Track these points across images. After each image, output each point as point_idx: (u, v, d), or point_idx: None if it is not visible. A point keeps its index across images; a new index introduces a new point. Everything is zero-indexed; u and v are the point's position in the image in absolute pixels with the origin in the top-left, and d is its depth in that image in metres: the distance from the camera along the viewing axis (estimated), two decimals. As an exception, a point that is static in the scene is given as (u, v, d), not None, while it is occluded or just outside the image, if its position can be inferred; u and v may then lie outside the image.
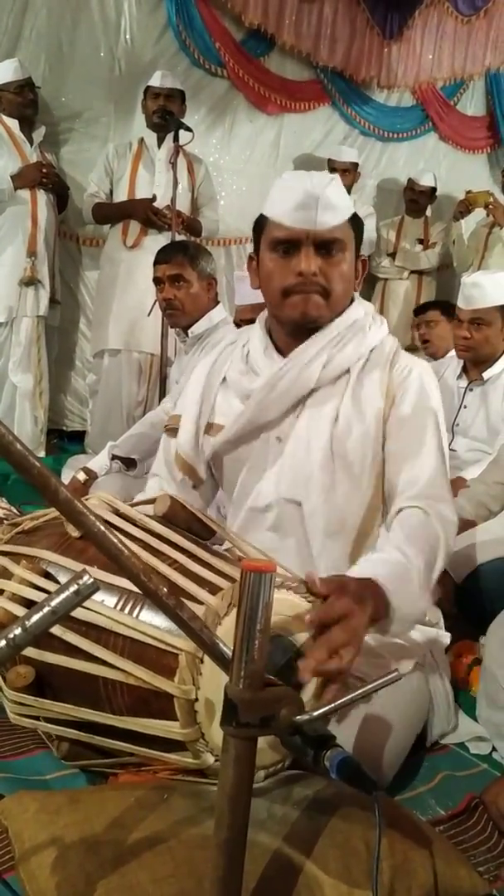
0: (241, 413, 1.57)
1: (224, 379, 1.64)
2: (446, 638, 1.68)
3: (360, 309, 1.58)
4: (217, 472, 1.68)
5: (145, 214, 3.91)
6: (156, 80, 4.06)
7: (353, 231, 1.50)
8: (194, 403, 1.66)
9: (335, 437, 1.50)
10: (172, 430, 1.72)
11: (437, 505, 1.41)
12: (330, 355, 1.51)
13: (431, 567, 1.35)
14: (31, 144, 3.99)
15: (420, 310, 4.23)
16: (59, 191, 4.11)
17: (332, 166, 4.82)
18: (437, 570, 1.37)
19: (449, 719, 1.63)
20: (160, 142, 4.07)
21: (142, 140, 4.12)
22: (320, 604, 1.23)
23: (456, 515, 1.46)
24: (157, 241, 3.77)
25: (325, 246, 1.46)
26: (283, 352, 1.57)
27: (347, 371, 1.53)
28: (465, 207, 4.81)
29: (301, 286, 1.47)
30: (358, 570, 1.29)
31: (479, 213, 4.92)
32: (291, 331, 1.55)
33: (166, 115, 3.86)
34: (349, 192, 4.85)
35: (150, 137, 4.11)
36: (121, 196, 4.07)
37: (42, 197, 3.98)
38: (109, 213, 4.08)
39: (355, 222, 1.50)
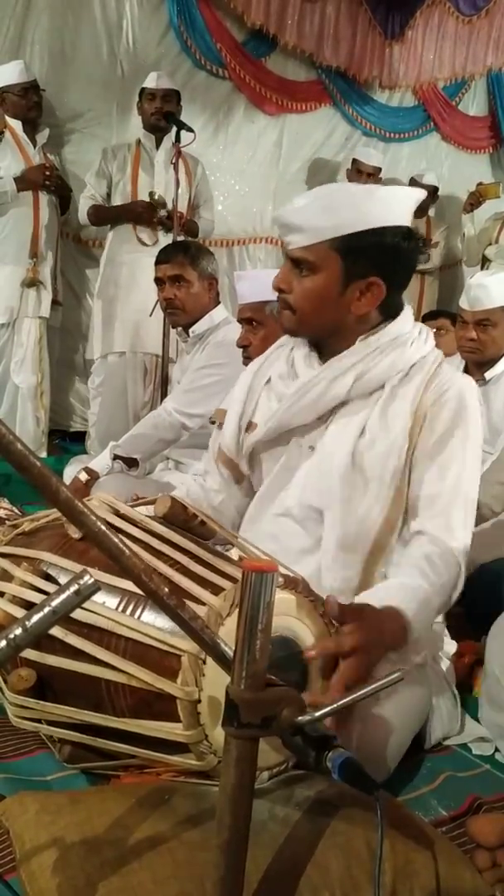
0: (273, 415, 1.59)
1: (269, 379, 1.66)
2: (452, 646, 1.69)
3: (406, 324, 1.56)
4: (254, 471, 1.70)
5: (144, 212, 3.90)
6: (151, 82, 4.05)
7: (339, 253, 1.45)
8: (239, 401, 1.69)
9: (358, 449, 1.50)
10: (219, 425, 1.76)
11: (445, 537, 1.45)
12: (364, 369, 1.51)
13: (448, 593, 1.41)
14: (35, 146, 3.99)
15: (430, 316, 4.24)
16: (62, 192, 4.11)
17: (358, 168, 4.82)
18: (452, 597, 1.44)
19: (452, 723, 1.62)
20: (158, 143, 4.07)
21: (139, 142, 4.10)
22: (333, 631, 1.27)
23: (460, 555, 1.46)
24: (160, 242, 3.77)
25: (296, 264, 1.49)
26: (326, 359, 1.57)
27: (382, 386, 1.53)
28: (475, 199, 4.78)
29: (278, 298, 1.56)
30: (380, 596, 1.31)
31: (487, 209, 4.90)
32: (322, 343, 1.58)
33: (167, 115, 3.85)
34: None
35: (147, 139, 4.09)
36: (121, 199, 4.06)
37: (44, 198, 3.98)
38: (107, 215, 4.07)
39: (345, 244, 1.44)
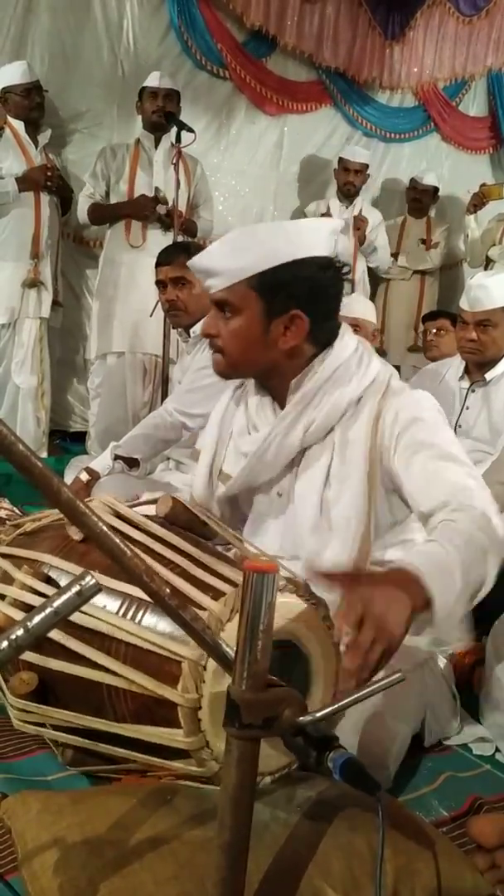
0: (238, 475, 1.60)
1: (232, 431, 1.67)
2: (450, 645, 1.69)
3: (342, 352, 1.52)
4: (231, 514, 1.69)
5: (146, 209, 3.90)
6: (153, 81, 4.04)
7: (256, 291, 1.44)
8: (209, 449, 1.70)
9: (325, 500, 1.50)
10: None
11: (471, 506, 1.31)
12: (311, 417, 1.50)
13: (474, 565, 1.23)
14: (37, 147, 3.99)
15: (430, 317, 4.24)
16: (63, 193, 4.11)
17: (346, 166, 4.81)
18: (484, 570, 1.25)
19: (449, 722, 1.62)
20: (157, 142, 4.06)
21: (138, 141, 4.10)
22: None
23: (483, 502, 1.32)
24: (158, 242, 3.76)
25: (220, 307, 1.49)
26: (278, 400, 1.56)
27: (333, 428, 1.51)
28: (479, 200, 4.78)
29: (210, 345, 1.55)
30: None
31: (490, 210, 4.90)
32: (264, 385, 1.58)
33: (167, 115, 3.85)
34: (358, 193, 4.89)
35: (146, 138, 4.09)
36: (120, 198, 4.06)
37: (46, 199, 3.98)
38: (107, 213, 4.07)
39: (260, 281, 1.43)
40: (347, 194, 4.83)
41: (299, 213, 5.05)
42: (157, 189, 3.92)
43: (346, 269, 1.50)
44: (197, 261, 1.51)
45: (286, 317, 1.46)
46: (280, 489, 1.58)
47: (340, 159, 4.87)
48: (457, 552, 1.19)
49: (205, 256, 1.50)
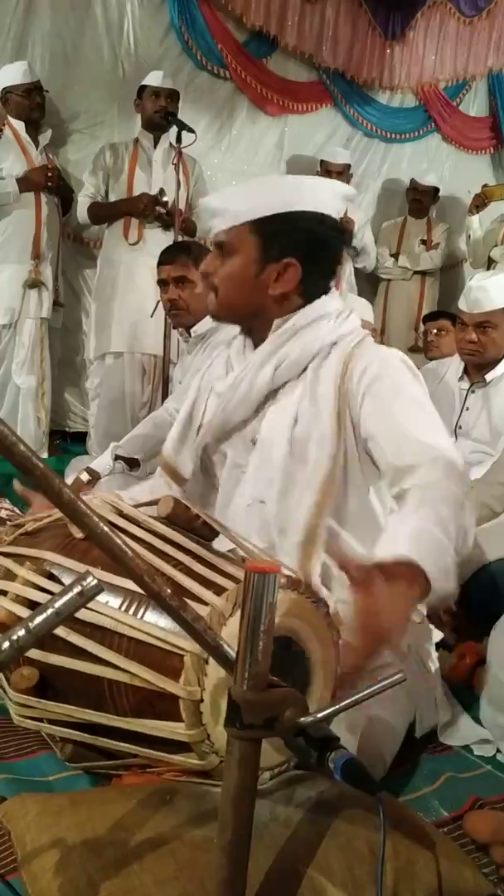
0: (213, 415, 1.62)
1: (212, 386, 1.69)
2: (437, 635, 1.68)
3: (325, 306, 1.56)
4: (210, 474, 1.69)
5: (144, 208, 3.90)
6: (155, 80, 4.04)
7: (257, 235, 1.49)
8: (186, 407, 1.72)
9: (294, 438, 1.51)
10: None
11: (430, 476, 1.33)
12: (283, 355, 1.53)
13: (455, 538, 1.23)
14: (37, 147, 4.00)
15: (431, 317, 4.24)
16: (64, 193, 4.12)
17: (327, 168, 4.81)
18: (462, 539, 1.26)
19: (436, 711, 1.62)
20: (156, 142, 4.06)
21: (137, 140, 4.10)
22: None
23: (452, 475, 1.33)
24: (156, 241, 3.77)
25: (219, 248, 1.54)
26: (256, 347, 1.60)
27: (305, 368, 1.54)
28: (481, 201, 4.78)
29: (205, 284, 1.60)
30: (389, 549, 1.19)
31: (493, 211, 4.90)
32: (249, 330, 1.62)
33: (168, 115, 3.84)
34: None
35: (145, 137, 4.09)
36: (118, 197, 4.05)
37: (46, 199, 3.98)
38: (107, 212, 4.07)
39: (263, 225, 1.49)
40: None
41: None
42: (161, 190, 3.91)
43: (346, 236, 1.55)
44: (207, 200, 1.58)
45: (280, 264, 1.51)
46: (252, 434, 1.58)
47: (321, 161, 4.87)
48: (441, 523, 1.21)
49: (215, 196, 1.56)
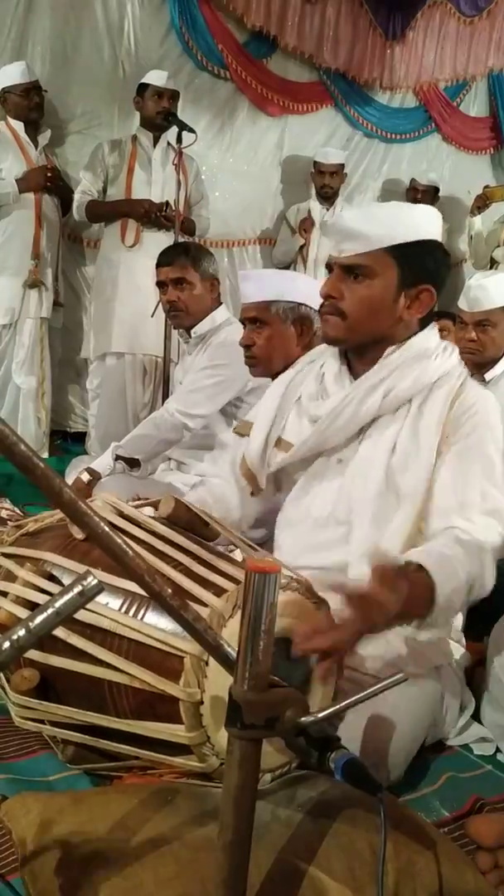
0: (308, 438, 1.62)
1: (300, 397, 1.70)
2: (457, 649, 1.69)
3: (429, 339, 1.60)
4: (280, 485, 1.74)
5: (145, 213, 3.89)
6: (159, 80, 4.02)
7: (395, 260, 1.51)
8: (268, 417, 1.73)
9: (391, 467, 1.53)
10: (242, 436, 1.81)
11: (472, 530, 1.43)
12: (391, 385, 1.55)
13: (468, 581, 1.36)
14: (37, 147, 3.99)
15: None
16: (64, 194, 4.11)
17: (320, 169, 4.80)
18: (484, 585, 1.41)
19: (455, 724, 1.63)
20: (155, 141, 4.05)
21: (135, 138, 4.07)
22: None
23: (490, 549, 1.44)
24: (156, 241, 3.75)
25: (349, 271, 1.53)
26: (357, 375, 1.61)
27: (409, 401, 1.56)
28: (482, 202, 4.78)
29: (322, 307, 1.58)
30: (412, 554, 1.32)
31: (494, 212, 4.89)
32: (355, 355, 1.62)
33: (169, 116, 3.84)
34: (337, 193, 4.82)
35: (144, 135, 4.06)
36: (116, 195, 4.04)
37: (46, 199, 3.98)
38: (105, 211, 4.04)
39: (401, 252, 1.51)
40: (326, 196, 4.79)
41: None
42: (167, 203, 3.88)
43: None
44: (341, 221, 1.54)
45: (415, 290, 1.54)
46: (342, 456, 1.60)
47: (315, 162, 4.86)
48: (463, 563, 1.34)
49: (347, 218, 1.54)
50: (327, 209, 4.81)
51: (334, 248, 1.55)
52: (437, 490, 1.50)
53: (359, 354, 1.61)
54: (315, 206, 4.83)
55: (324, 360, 1.69)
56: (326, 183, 4.77)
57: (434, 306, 1.59)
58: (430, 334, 1.61)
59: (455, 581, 1.31)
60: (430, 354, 1.58)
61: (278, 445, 1.69)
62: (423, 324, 1.60)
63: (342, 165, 4.88)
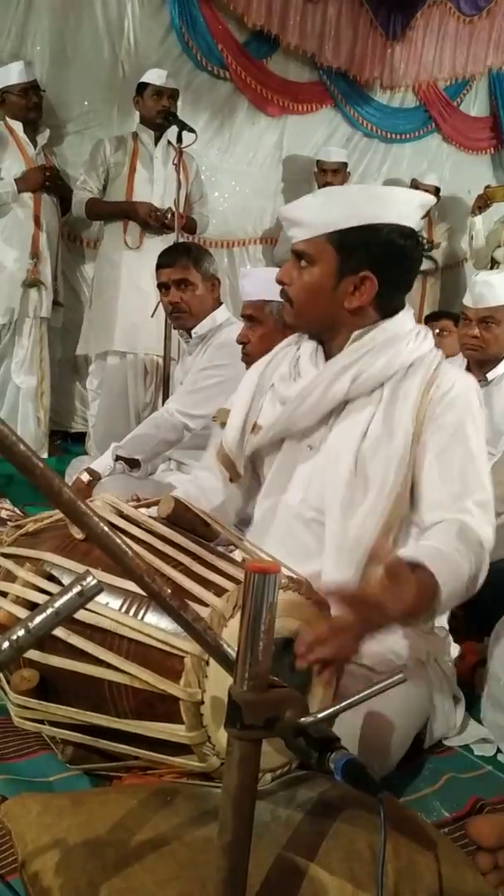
0: (276, 420, 1.61)
1: (274, 383, 1.69)
2: (455, 649, 1.69)
3: (403, 323, 1.57)
4: (256, 472, 1.72)
5: (147, 218, 3.89)
6: (158, 79, 4.01)
7: (334, 247, 1.48)
8: (244, 402, 1.71)
9: (362, 453, 1.51)
10: (222, 423, 1.80)
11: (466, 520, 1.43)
12: (360, 369, 1.52)
13: (473, 572, 1.36)
14: (35, 147, 3.99)
15: (432, 317, 4.24)
16: (63, 193, 4.11)
17: (323, 167, 4.81)
18: (478, 577, 1.40)
19: (450, 723, 1.62)
20: (156, 139, 4.05)
21: (136, 136, 4.07)
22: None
23: (484, 541, 1.44)
24: (156, 241, 3.76)
25: (298, 257, 1.53)
26: (330, 357, 1.59)
27: (382, 385, 1.54)
28: (483, 202, 4.78)
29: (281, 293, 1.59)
30: (413, 555, 1.31)
31: (495, 212, 4.90)
32: (326, 338, 1.60)
33: (170, 115, 3.84)
34: None
35: (145, 134, 4.05)
36: (117, 193, 4.02)
37: (45, 199, 3.98)
38: (106, 210, 4.04)
39: (341, 238, 1.47)
40: None
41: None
42: (170, 208, 3.87)
43: (426, 246, 1.55)
44: (287, 209, 1.57)
45: (357, 276, 1.49)
46: (312, 442, 1.58)
47: (317, 161, 4.88)
48: (460, 546, 1.35)
49: (295, 206, 1.54)
50: None
51: (287, 232, 1.57)
52: (424, 484, 1.48)
53: (328, 339, 1.59)
54: None
55: (300, 344, 1.67)
56: (329, 181, 4.78)
57: (400, 293, 1.55)
58: (405, 318, 1.57)
59: (456, 580, 1.30)
60: (402, 338, 1.54)
61: (254, 430, 1.67)
62: (389, 309, 1.54)
63: (345, 164, 4.89)
